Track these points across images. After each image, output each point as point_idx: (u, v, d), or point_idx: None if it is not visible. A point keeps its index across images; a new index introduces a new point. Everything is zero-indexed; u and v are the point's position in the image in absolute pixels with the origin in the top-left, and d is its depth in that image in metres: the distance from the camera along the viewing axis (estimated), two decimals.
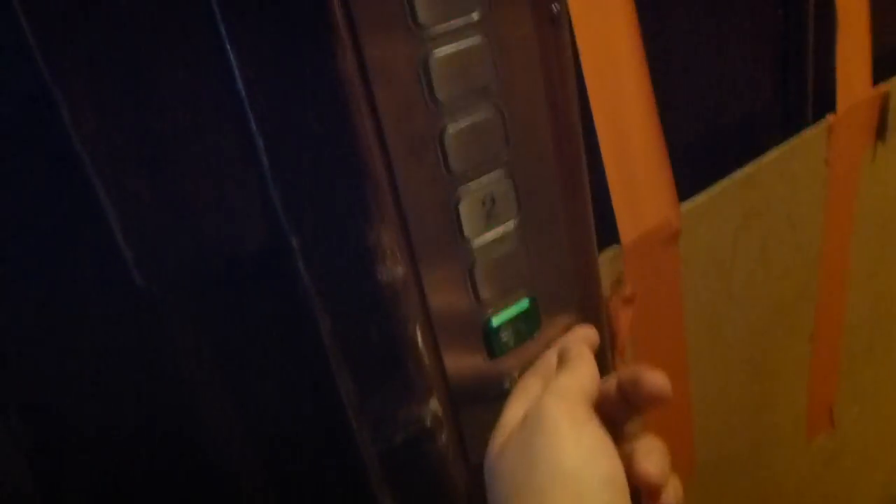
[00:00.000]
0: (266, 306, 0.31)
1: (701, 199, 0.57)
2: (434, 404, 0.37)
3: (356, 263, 0.31)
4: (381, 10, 0.33)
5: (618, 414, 0.40)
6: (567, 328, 0.47)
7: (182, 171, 0.27)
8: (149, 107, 0.26)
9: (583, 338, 0.46)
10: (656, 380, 0.37)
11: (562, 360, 0.42)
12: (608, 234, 0.50)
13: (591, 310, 0.49)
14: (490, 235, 0.40)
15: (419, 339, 0.34)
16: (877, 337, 0.88)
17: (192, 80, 0.26)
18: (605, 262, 0.50)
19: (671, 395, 0.38)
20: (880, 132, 0.75)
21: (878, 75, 0.71)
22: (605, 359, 0.52)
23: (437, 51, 0.35)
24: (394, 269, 0.32)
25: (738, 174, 0.60)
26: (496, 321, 0.42)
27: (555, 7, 0.40)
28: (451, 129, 0.37)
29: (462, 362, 0.42)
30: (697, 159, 0.58)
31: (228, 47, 0.26)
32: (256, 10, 0.26)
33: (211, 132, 0.27)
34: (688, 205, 0.56)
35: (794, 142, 0.64)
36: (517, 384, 0.42)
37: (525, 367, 0.44)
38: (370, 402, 0.34)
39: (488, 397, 0.43)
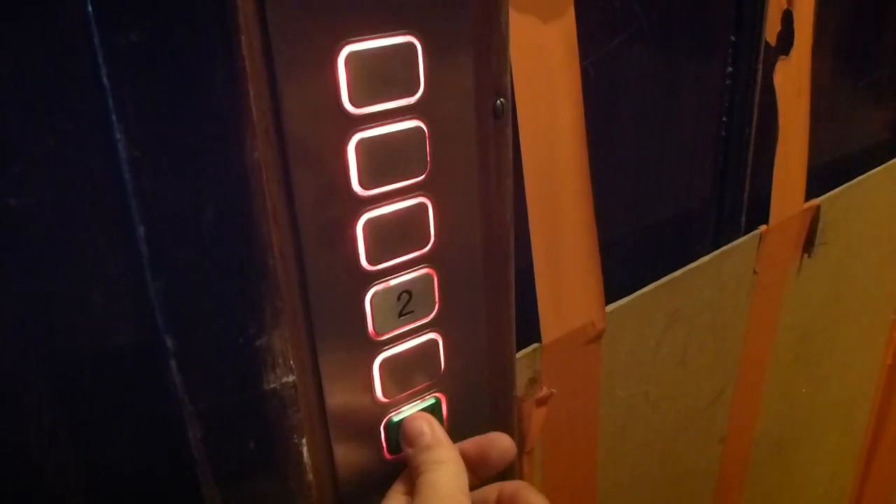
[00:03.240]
0: (127, 406, 0.28)
1: (628, 301, 0.56)
2: None
3: (239, 370, 0.28)
4: (310, 86, 0.30)
5: None
6: (475, 428, 0.44)
7: (37, 252, 0.23)
8: (2, 172, 0.22)
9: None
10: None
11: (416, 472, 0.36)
12: (528, 331, 0.48)
13: (501, 409, 0.46)
14: (400, 330, 0.38)
15: (304, 451, 0.31)
16: (786, 441, 0.88)
17: (60, 147, 0.23)
18: (523, 360, 0.48)
19: None
20: (808, 246, 0.76)
21: (809, 190, 0.73)
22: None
23: (367, 133, 0.33)
24: (283, 378, 0.29)
25: (668, 278, 0.59)
26: (397, 418, 0.39)
27: (499, 101, 0.38)
28: (373, 218, 0.34)
29: (358, 460, 0.38)
30: (629, 260, 0.57)
31: (114, 118, 0.23)
32: (148, 78, 0.23)
33: (82, 211, 0.24)
34: (614, 306, 0.54)
35: (725, 249, 0.64)
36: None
37: None
38: None
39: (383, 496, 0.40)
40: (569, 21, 0.47)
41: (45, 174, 0.23)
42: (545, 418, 0.52)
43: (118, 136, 0.23)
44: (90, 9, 0.21)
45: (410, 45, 0.33)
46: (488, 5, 0.36)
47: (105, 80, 0.22)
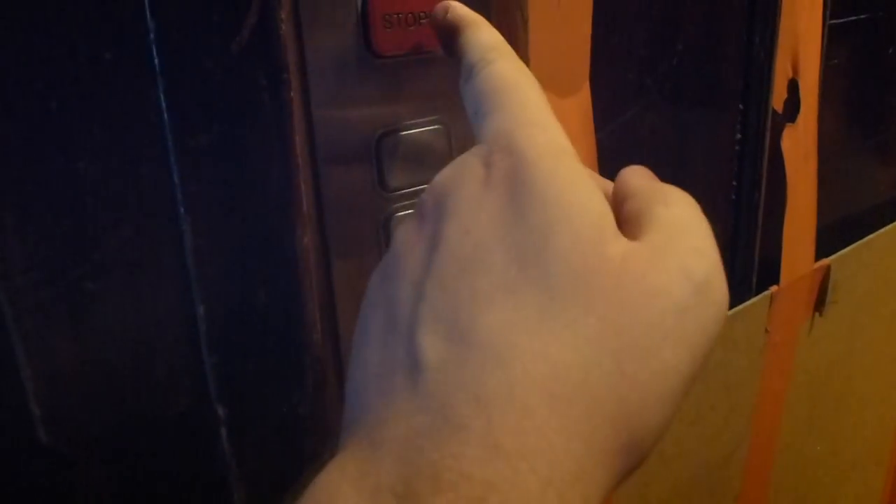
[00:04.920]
0: (180, 469, 0.30)
1: None
2: None
3: (283, 436, 0.30)
4: (348, 171, 0.33)
5: None
6: None
7: (109, 329, 0.26)
8: (83, 254, 0.25)
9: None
10: None
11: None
12: None
13: None
14: None
15: None
16: (801, 499, 0.88)
17: (134, 237, 0.25)
18: None
19: None
20: (819, 305, 0.77)
21: (819, 250, 0.74)
22: None
23: (400, 214, 0.35)
24: (325, 443, 0.31)
25: None
26: None
27: None
28: None
29: None
30: None
31: (182, 210, 0.25)
32: (214, 177, 0.25)
33: (149, 292, 0.26)
34: None
35: (737, 310, 0.66)
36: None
37: None
38: None
39: None
40: (584, 96, 0.50)
41: (120, 262, 0.25)
42: None
43: (184, 227, 0.25)
44: (166, 116, 0.24)
45: (440, 131, 0.36)
46: None
47: (175, 178, 0.25)
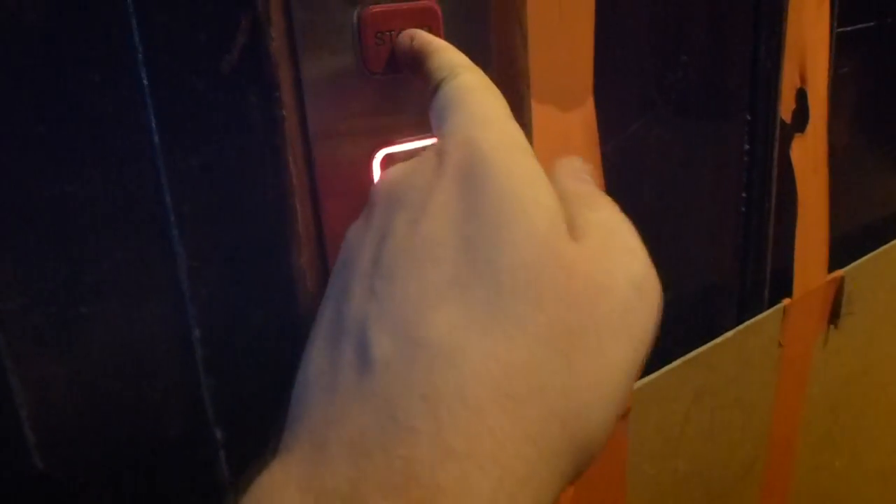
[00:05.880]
0: (179, 493, 0.29)
1: (654, 378, 0.56)
2: None
3: None
4: (346, 189, 0.32)
5: None
6: None
7: (104, 353, 0.26)
8: (75, 278, 0.24)
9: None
10: None
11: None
12: None
13: None
14: None
15: None
16: None
17: (127, 260, 0.25)
18: None
19: None
20: (833, 317, 0.76)
21: (834, 261, 0.73)
22: None
23: None
24: None
25: (693, 354, 0.59)
26: None
27: None
28: None
29: None
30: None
31: (175, 232, 0.25)
32: (205, 196, 0.25)
33: (145, 315, 0.26)
34: (641, 383, 0.55)
35: (750, 324, 0.65)
36: None
37: None
38: None
39: None
40: (588, 109, 0.49)
41: (113, 285, 0.25)
42: (571, 498, 0.52)
43: (178, 249, 0.25)
44: (156, 138, 0.24)
45: None
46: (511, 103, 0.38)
47: (168, 199, 0.24)
